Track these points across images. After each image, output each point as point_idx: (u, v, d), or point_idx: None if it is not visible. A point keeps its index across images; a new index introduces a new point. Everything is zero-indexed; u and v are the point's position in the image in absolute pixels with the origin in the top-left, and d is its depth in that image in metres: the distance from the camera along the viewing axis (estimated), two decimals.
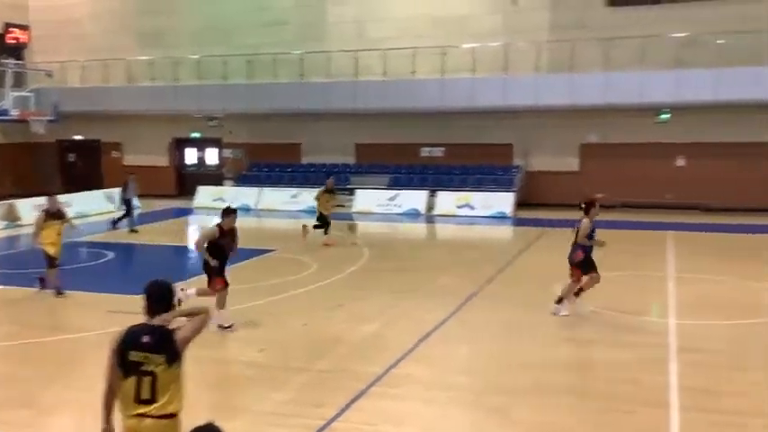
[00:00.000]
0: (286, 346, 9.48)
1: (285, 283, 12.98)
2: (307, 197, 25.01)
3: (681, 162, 23.44)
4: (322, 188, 17.63)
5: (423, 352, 9.13)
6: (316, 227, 17.28)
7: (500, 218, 22.66)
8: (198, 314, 4.70)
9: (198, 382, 6.52)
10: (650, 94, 21.63)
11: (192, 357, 4.70)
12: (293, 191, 25.80)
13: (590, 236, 10.38)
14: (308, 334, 10.03)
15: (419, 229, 22.45)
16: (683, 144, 23.09)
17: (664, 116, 22.84)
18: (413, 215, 23.86)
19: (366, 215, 23.62)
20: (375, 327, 10.28)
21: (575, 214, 10.74)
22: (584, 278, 10.52)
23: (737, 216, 21.11)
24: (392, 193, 24.99)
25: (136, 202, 21.21)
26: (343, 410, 7.16)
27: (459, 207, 23.79)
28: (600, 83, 22.13)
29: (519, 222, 22.13)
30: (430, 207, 24.19)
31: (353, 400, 7.41)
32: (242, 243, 10.35)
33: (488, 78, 23.86)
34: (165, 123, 28.85)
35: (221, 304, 9.89)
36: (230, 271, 10.47)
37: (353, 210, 24.33)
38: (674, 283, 12.86)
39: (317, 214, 17.46)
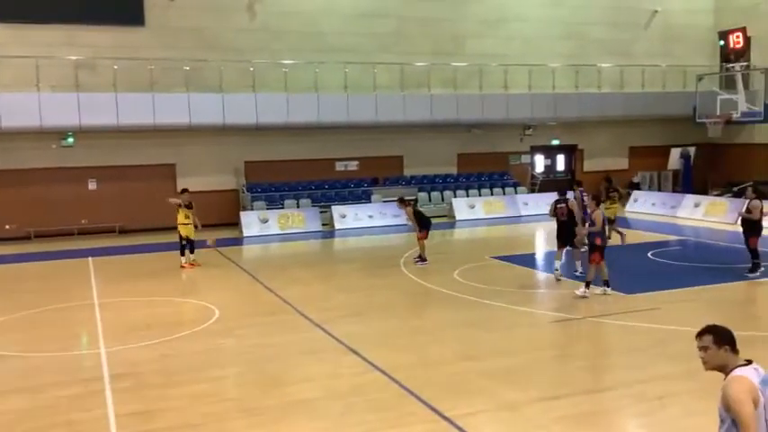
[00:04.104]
0: None
1: None
2: None
3: (93, 185, 23.19)
4: (177, 201, 16.50)
5: None
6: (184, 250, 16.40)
7: None
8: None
9: None
10: (50, 117, 20.65)
11: None
12: None
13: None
14: None
15: None
16: (94, 167, 22.88)
17: (69, 140, 22.21)
18: None
19: None
20: None
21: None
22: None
23: (148, 236, 22.00)
24: None
25: None
26: None
27: None
28: None
29: None
30: None
31: None
32: None
33: None
34: None
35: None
36: None
37: None
38: (101, 310, 12.54)
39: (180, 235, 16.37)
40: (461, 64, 26.10)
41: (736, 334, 4.09)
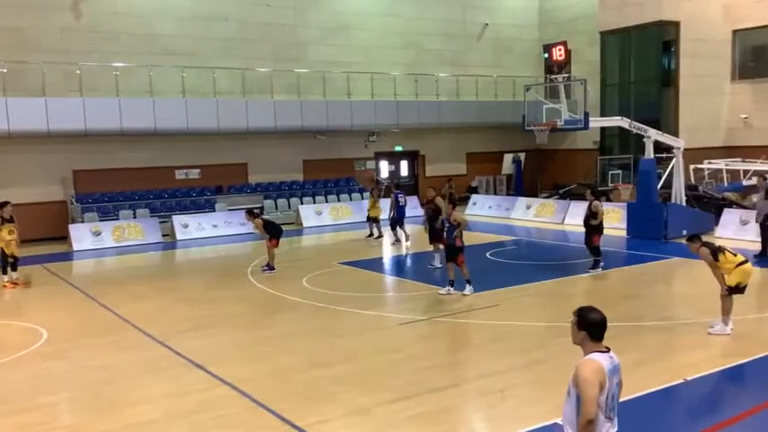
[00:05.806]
0: None
1: None
2: None
3: None
4: None
5: None
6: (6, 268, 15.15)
7: None
8: None
9: None
10: None
11: None
12: None
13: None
14: None
15: None
16: None
17: None
18: None
19: None
20: None
21: None
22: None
23: None
24: None
25: None
26: None
27: None
28: None
29: None
30: None
31: None
32: None
33: None
34: None
35: None
36: None
37: None
38: None
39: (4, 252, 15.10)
40: (304, 70, 26.07)
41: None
